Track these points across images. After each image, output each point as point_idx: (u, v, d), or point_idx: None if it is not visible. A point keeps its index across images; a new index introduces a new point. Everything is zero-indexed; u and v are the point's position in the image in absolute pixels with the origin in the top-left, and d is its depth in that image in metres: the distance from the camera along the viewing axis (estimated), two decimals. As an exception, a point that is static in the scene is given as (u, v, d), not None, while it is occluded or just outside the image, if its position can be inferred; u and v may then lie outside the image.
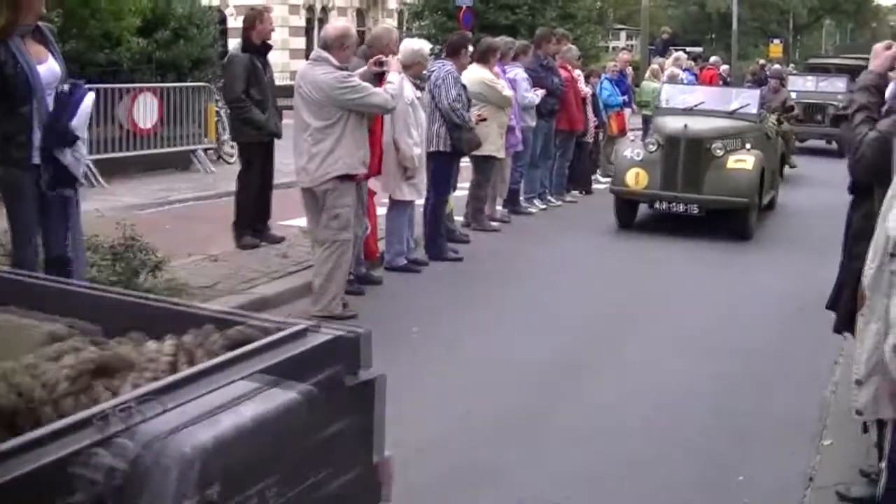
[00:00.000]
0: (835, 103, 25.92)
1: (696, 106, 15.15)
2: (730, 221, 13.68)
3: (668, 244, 13.13)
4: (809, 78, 28.76)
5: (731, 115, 14.89)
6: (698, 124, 14.16)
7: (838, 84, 27.25)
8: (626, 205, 14.33)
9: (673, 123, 14.24)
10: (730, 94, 16.53)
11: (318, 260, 9.05)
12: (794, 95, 23.47)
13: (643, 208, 14.40)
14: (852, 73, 29.23)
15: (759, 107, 15.57)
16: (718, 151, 13.76)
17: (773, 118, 17.30)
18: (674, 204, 13.69)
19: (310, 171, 8.79)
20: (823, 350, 7.76)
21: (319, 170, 8.72)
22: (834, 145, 25.86)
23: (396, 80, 9.19)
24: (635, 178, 13.83)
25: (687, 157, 13.72)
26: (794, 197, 17.66)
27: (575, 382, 7.54)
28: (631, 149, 14.34)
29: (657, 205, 13.88)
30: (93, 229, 8.55)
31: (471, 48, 12.75)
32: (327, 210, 8.84)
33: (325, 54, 8.84)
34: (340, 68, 8.79)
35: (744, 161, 13.77)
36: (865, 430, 4.14)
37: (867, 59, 23.95)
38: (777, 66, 31.62)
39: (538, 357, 8.11)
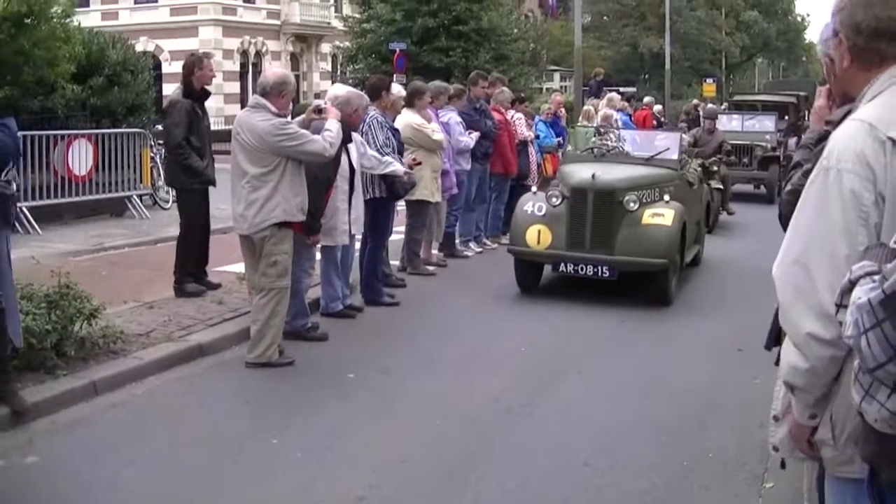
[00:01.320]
0: (763, 144, 24.22)
1: (607, 151, 13.66)
2: (648, 284, 12.12)
3: (599, 295, 12.19)
4: (735, 117, 26.05)
5: (647, 161, 13.27)
6: (609, 173, 12.41)
7: (767, 123, 25.28)
8: (527, 267, 12.62)
9: (580, 172, 12.48)
10: (647, 138, 15.28)
11: (255, 307, 9.05)
12: (721, 136, 21.40)
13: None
14: (780, 110, 27.33)
15: (680, 151, 13.92)
16: (632, 205, 12.04)
17: (696, 163, 15.83)
18: (581, 266, 11.94)
19: (248, 217, 8.80)
20: (763, 390, 7.78)
21: (257, 217, 8.75)
22: (763, 190, 24.34)
23: (335, 127, 9.20)
24: (537, 237, 12.14)
25: (596, 211, 12.00)
26: (722, 249, 16.26)
27: (512, 427, 7.57)
28: (532, 202, 12.54)
29: (562, 267, 12.13)
30: (27, 277, 8.51)
31: (396, 88, 12.84)
32: (265, 257, 8.85)
33: (264, 101, 8.89)
34: (278, 115, 8.85)
35: (662, 216, 12.02)
36: (783, 465, 4.23)
37: (797, 96, 23.87)
38: (711, 105, 29.10)
39: (475, 402, 8.13)
